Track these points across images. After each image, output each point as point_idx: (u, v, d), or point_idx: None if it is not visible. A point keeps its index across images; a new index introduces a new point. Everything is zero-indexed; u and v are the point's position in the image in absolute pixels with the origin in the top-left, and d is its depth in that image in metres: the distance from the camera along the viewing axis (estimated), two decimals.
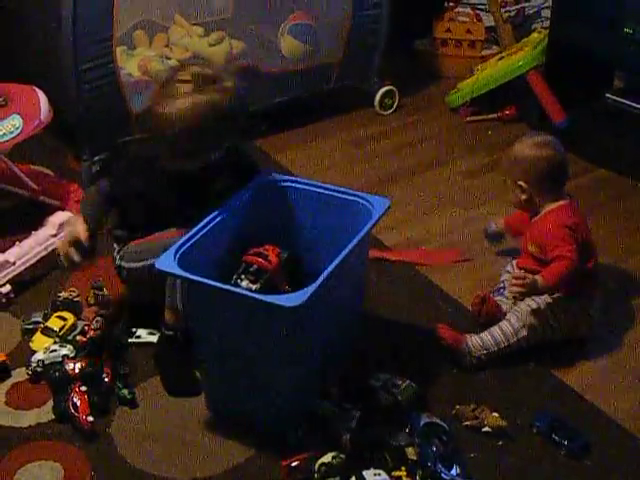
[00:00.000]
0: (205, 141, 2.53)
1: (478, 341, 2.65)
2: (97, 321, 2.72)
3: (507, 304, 2.81)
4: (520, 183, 2.71)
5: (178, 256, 2.27)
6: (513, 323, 2.66)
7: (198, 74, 2.51)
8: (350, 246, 2.30)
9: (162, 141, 2.54)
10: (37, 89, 3.18)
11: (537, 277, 2.60)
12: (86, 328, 2.73)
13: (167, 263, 2.24)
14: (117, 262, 2.73)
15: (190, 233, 2.36)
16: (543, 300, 2.68)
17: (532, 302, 2.68)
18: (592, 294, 2.75)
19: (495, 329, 2.67)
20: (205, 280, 2.18)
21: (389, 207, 2.50)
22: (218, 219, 2.45)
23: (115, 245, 2.77)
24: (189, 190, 2.63)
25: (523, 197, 2.73)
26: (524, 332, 2.65)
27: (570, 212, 2.71)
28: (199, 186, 2.63)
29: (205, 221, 2.42)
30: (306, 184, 2.68)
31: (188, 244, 2.33)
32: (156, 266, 2.24)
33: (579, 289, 2.70)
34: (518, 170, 2.72)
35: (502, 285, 2.89)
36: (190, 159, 2.57)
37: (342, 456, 2.24)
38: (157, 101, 2.52)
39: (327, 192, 2.64)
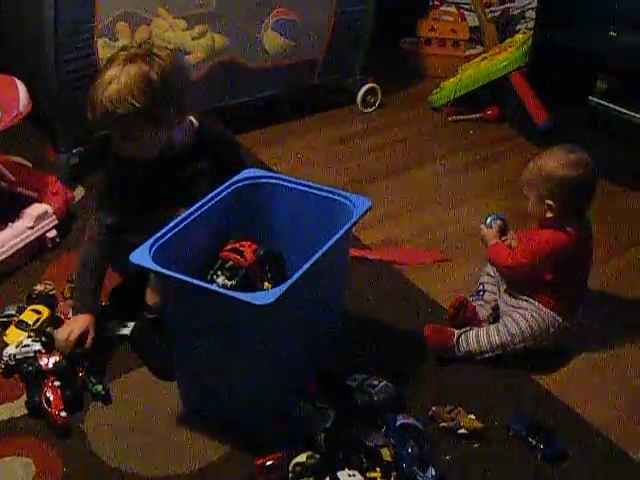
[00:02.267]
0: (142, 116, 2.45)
1: (474, 342, 2.67)
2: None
3: (486, 308, 2.81)
4: (548, 202, 2.57)
5: (154, 250, 2.24)
6: (505, 332, 2.67)
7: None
8: (327, 245, 2.27)
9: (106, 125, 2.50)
10: (16, 79, 3.14)
11: (492, 241, 2.73)
12: (63, 318, 2.71)
13: (141, 257, 2.22)
14: None
15: (167, 227, 2.33)
16: (530, 313, 2.67)
17: (523, 313, 2.68)
18: (577, 310, 2.73)
19: (492, 333, 2.67)
20: (178, 275, 2.16)
21: (370, 207, 2.48)
22: (197, 214, 2.42)
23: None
24: (165, 178, 2.60)
25: (549, 215, 2.60)
26: (510, 345, 2.67)
27: (564, 243, 2.60)
28: (172, 173, 2.61)
29: (183, 215, 2.39)
30: (287, 181, 2.66)
31: (165, 238, 2.30)
32: (130, 259, 2.22)
33: (566, 307, 2.69)
34: (547, 187, 2.56)
35: (481, 288, 2.87)
36: (139, 148, 2.54)
37: (317, 456, 2.23)
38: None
39: (308, 190, 2.62)
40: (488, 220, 2.80)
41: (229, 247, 2.47)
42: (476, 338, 2.67)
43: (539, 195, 2.60)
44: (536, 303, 2.67)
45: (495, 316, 2.78)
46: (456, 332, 2.68)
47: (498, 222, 2.79)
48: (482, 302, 2.82)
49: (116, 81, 2.38)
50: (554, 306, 2.66)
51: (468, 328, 2.71)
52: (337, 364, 2.61)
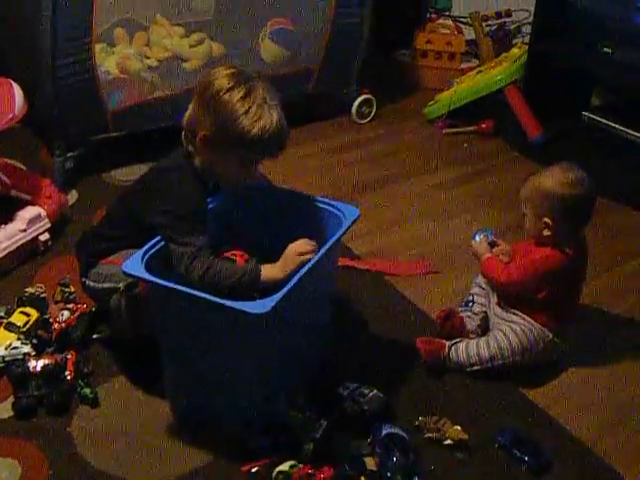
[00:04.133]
0: None
1: (463, 355, 2.68)
2: (62, 314, 2.72)
3: (474, 320, 2.82)
4: (546, 220, 2.57)
5: (146, 259, 2.26)
6: (495, 345, 2.67)
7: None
8: (319, 255, 2.29)
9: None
10: (12, 82, 3.14)
11: (485, 256, 2.73)
12: (51, 321, 2.72)
13: (134, 266, 2.23)
14: (82, 279, 2.68)
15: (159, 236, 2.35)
16: (521, 327, 2.68)
17: (514, 327, 2.69)
18: (568, 327, 2.74)
19: (482, 346, 2.68)
20: (170, 284, 2.17)
21: (359, 216, 2.50)
22: None
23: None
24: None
25: (546, 233, 2.60)
26: (499, 359, 2.68)
27: (560, 262, 2.61)
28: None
29: None
30: (278, 190, 2.67)
31: (157, 247, 2.31)
32: (123, 269, 2.23)
33: (557, 323, 2.70)
34: (545, 205, 2.57)
35: (471, 299, 2.88)
36: None
37: (300, 466, 2.23)
38: None
39: (299, 199, 2.64)
40: (476, 237, 2.82)
41: (221, 256, 2.47)
42: (466, 351, 2.67)
43: (537, 213, 2.60)
44: (527, 318, 2.68)
45: (483, 328, 2.79)
46: (447, 344, 2.69)
47: (483, 237, 2.80)
48: (470, 313, 2.83)
49: (270, 104, 2.39)
50: (545, 322, 2.67)
51: (458, 340, 2.71)
52: (328, 373, 2.62)
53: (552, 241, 2.62)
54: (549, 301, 2.66)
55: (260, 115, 2.35)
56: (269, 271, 2.35)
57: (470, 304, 2.87)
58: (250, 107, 2.35)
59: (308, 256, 2.32)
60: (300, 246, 2.36)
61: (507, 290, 2.72)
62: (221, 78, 2.38)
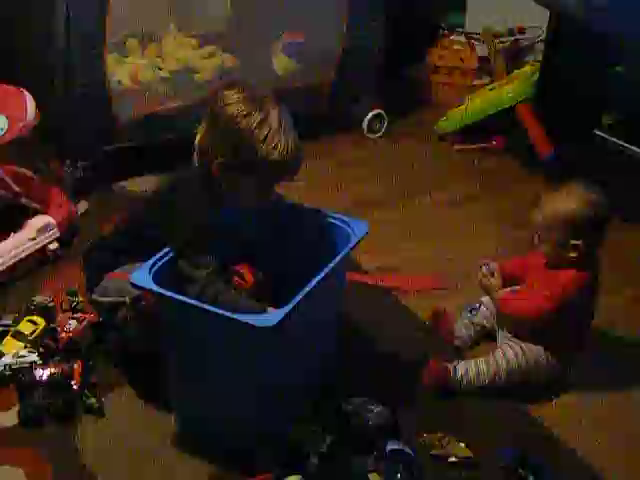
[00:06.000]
0: None
1: (462, 373, 2.66)
2: (70, 324, 2.72)
3: (468, 328, 2.85)
4: (576, 242, 2.55)
5: (154, 271, 2.26)
6: (494, 364, 2.67)
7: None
8: (327, 269, 2.29)
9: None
10: (25, 91, 3.15)
11: (498, 293, 2.69)
12: (59, 330, 2.72)
13: (142, 278, 2.23)
14: (88, 292, 2.68)
15: (167, 249, 2.35)
16: (520, 346, 2.68)
17: (513, 346, 2.69)
18: (576, 352, 2.74)
19: (481, 366, 2.67)
20: (178, 296, 2.17)
21: (367, 232, 2.50)
22: None
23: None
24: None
25: (573, 255, 2.57)
26: (499, 380, 2.67)
27: (584, 281, 2.61)
28: None
29: None
30: (288, 204, 2.68)
31: (164, 259, 2.31)
32: (131, 281, 2.23)
33: (563, 346, 2.69)
34: (576, 229, 2.54)
35: (477, 307, 2.89)
36: None
37: None
38: None
39: (308, 213, 2.64)
40: (484, 270, 2.77)
41: (230, 272, 2.47)
42: (467, 372, 2.66)
43: (563, 238, 2.57)
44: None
45: (474, 340, 2.83)
46: (449, 365, 2.68)
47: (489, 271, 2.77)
48: (468, 321, 2.86)
49: (285, 128, 2.39)
50: (558, 345, 2.67)
51: (457, 361, 2.70)
52: (334, 388, 2.61)
53: (577, 262, 2.59)
54: (572, 323, 2.67)
55: (278, 141, 2.35)
56: None
57: (474, 312, 2.89)
58: (268, 133, 2.34)
59: None
60: None
61: (534, 322, 2.67)
62: (235, 104, 2.36)
